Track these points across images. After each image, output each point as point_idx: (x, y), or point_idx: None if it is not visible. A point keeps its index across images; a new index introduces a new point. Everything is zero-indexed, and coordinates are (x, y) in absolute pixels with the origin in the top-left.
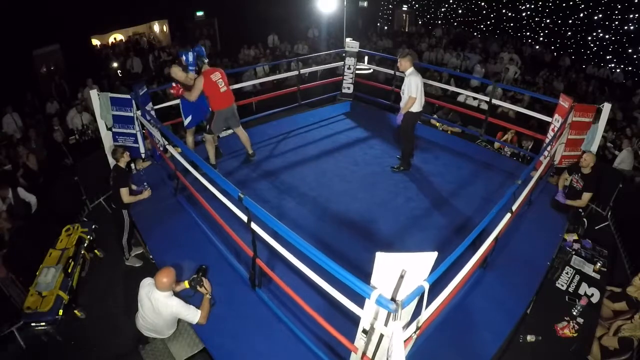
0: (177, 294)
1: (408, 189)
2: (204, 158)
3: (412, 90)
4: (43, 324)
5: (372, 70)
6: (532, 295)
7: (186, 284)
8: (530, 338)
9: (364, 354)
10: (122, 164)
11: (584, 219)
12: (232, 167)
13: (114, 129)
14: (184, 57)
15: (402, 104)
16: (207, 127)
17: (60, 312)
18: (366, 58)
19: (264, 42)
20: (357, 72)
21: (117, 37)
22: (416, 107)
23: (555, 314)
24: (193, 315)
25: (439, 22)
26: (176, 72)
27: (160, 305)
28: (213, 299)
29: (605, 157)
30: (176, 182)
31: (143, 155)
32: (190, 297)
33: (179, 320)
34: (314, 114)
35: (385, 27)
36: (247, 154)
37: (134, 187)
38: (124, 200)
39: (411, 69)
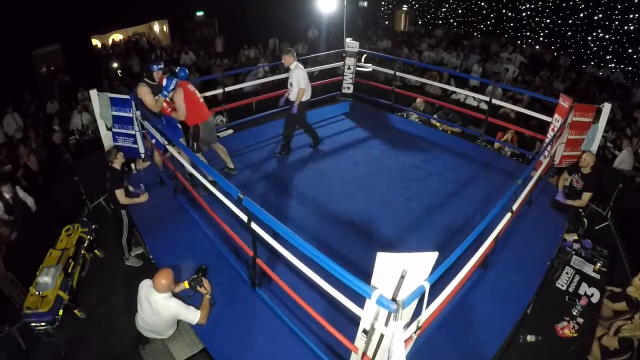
0: (176, 295)
1: (408, 189)
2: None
3: (301, 83)
4: (43, 324)
5: (371, 69)
6: (532, 295)
7: (186, 284)
8: (530, 338)
9: (364, 354)
10: (117, 165)
11: (584, 219)
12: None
13: (113, 129)
14: (165, 81)
15: (291, 97)
16: (194, 145)
17: (60, 312)
18: (363, 57)
19: (264, 42)
20: (358, 69)
21: (117, 37)
22: (306, 96)
23: (555, 314)
24: (193, 315)
25: (439, 22)
26: (143, 93)
27: (159, 307)
28: (213, 299)
29: (605, 157)
30: (175, 182)
31: (143, 156)
32: (190, 297)
33: (179, 321)
34: (314, 114)
35: (385, 24)
36: (228, 168)
37: (130, 188)
38: (120, 202)
39: (295, 63)
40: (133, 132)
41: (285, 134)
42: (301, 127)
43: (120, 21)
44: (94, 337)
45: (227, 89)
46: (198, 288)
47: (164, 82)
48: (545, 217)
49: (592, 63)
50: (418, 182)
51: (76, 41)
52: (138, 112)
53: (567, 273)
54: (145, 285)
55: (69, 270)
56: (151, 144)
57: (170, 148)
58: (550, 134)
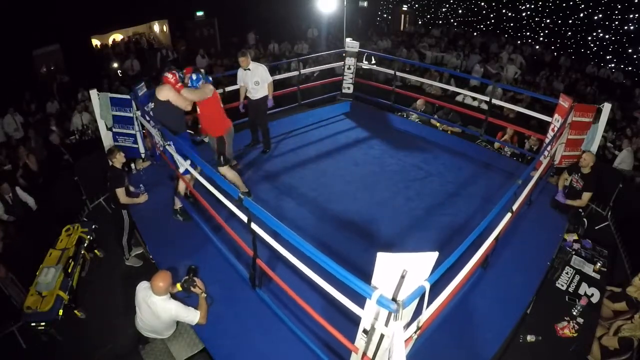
0: (174, 296)
1: (408, 189)
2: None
3: (269, 77)
4: (43, 324)
5: (373, 66)
6: (532, 295)
7: (179, 287)
8: (530, 338)
9: (364, 354)
10: (118, 165)
11: (584, 219)
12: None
13: (113, 129)
14: (193, 75)
15: (259, 94)
16: (220, 158)
17: (60, 312)
18: (365, 56)
19: (264, 42)
20: (364, 67)
21: (117, 37)
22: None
23: (555, 314)
24: (193, 316)
25: (439, 22)
26: (172, 95)
27: (159, 309)
28: (210, 297)
29: (605, 157)
30: (176, 182)
31: (143, 156)
32: (187, 297)
33: (179, 321)
34: (314, 114)
35: (385, 28)
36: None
37: (131, 188)
38: (120, 201)
39: (253, 63)
40: (133, 132)
41: (266, 130)
42: (266, 120)
43: (120, 21)
44: (94, 337)
45: (227, 89)
46: (192, 289)
47: (193, 76)
48: (545, 217)
49: (592, 63)
50: (418, 182)
51: (76, 41)
52: (138, 112)
53: (567, 273)
54: (142, 288)
55: (69, 270)
56: (152, 143)
57: (169, 148)
58: (550, 134)
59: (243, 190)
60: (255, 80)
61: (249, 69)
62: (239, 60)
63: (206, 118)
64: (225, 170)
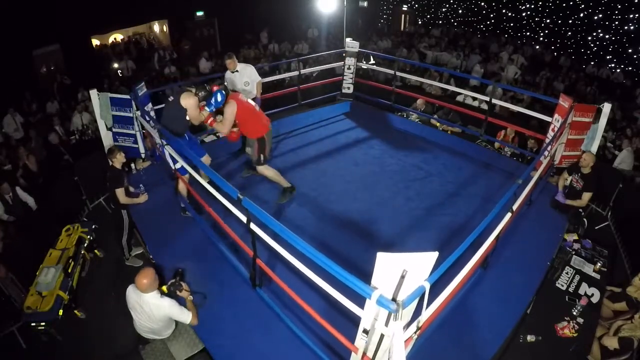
0: (170, 295)
1: (408, 189)
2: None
3: (257, 76)
4: (43, 324)
5: (372, 64)
6: (532, 295)
7: (164, 289)
8: (530, 338)
9: (364, 354)
10: (117, 165)
11: (584, 219)
12: (233, 168)
13: (113, 129)
14: (219, 96)
15: (251, 94)
16: (259, 157)
17: (60, 312)
18: (368, 58)
19: (264, 42)
20: (364, 67)
21: (117, 37)
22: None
23: (555, 314)
24: (186, 316)
25: (439, 22)
26: (192, 105)
27: (152, 308)
28: (201, 296)
29: (605, 157)
30: (176, 182)
31: (143, 156)
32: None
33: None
34: (314, 114)
35: (385, 28)
36: (247, 169)
37: (131, 188)
38: (120, 201)
39: (241, 64)
40: (133, 132)
41: None
42: None
43: (120, 21)
44: (94, 337)
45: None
46: (178, 293)
47: (217, 96)
48: (545, 217)
49: (592, 63)
50: (418, 182)
51: (76, 41)
52: (138, 112)
53: (567, 273)
54: (131, 292)
55: (69, 270)
56: (152, 143)
57: (168, 148)
58: (550, 134)
59: (286, 186)
60: (245, 80)
61: (237, 71)
62: (226, 63)
63: (242, 125)
64: (264, 169)
